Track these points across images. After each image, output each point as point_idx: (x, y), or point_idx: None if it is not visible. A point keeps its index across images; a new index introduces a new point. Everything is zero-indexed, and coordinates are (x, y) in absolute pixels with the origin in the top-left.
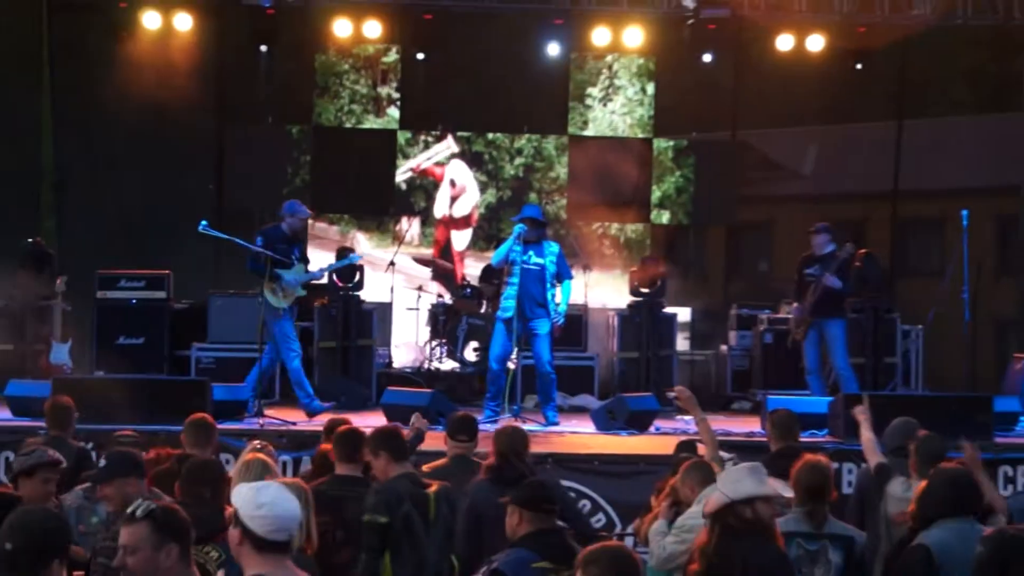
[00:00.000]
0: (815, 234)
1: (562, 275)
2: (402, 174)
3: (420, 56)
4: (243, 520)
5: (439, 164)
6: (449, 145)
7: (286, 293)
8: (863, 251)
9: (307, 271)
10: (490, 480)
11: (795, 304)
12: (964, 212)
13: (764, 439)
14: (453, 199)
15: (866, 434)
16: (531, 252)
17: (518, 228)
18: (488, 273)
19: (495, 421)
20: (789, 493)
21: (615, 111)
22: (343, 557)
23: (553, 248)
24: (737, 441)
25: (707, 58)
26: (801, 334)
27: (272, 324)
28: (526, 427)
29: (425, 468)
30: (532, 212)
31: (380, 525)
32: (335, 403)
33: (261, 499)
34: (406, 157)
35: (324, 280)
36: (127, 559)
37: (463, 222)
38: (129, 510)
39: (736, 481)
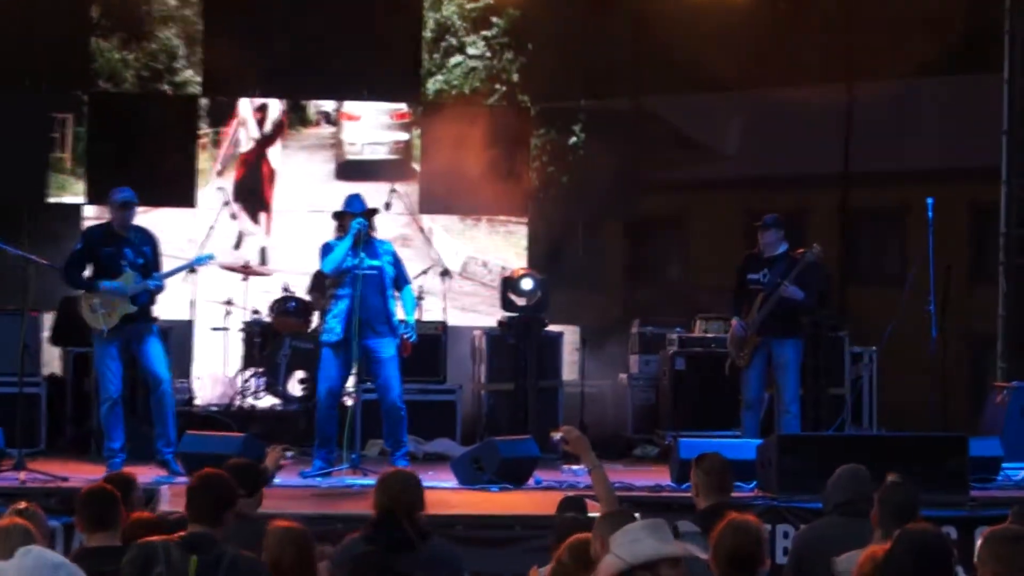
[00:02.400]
0: (764, 229)
1: (401, 280)
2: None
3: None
4: None
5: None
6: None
7: (109, 310)
8: (801, 251)
9: (143, 279)
10: (365, 542)
11: (736, 320)
12: (929, 200)
13: (675, 494)
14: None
15: (599, 477)
16: (362, 254)
17: (356, 224)
18: (319, 281)
19: (327, 474)
20: (704, 555)
21: (480, 70)
22: None
23: (388, 247)
24: (641, 496)
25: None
26: (746, 358)
27: (94, 350)
28: (363, 482)
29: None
30: (361, 203)
31: None
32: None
33: None
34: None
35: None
36: None
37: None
38: None
39: (633, 541)
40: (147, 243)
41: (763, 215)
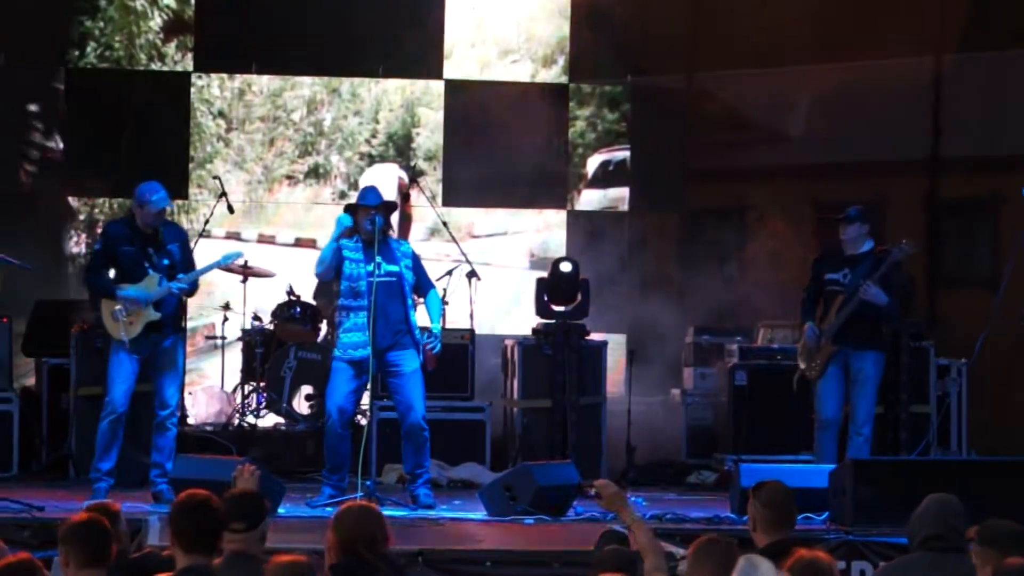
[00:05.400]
0: (846, 223)
1: (423, 286)
2: None
3: None
4: None
5: None
6: None
7: (131, 317)
8: (882, 248)
9: (168, 282)
10: None
11: (809, 325)
12: None
13: (735, 527)
14: None
15: (642, 531)
16: (378, 258)
17: (368, 224)
18: (326, 285)
19: (338, 504)
20: None
21: (513, 44)
22: None
23: (406, 248)
24: (696, 529)
25: None
26: (817, 369)
27: (110, 355)
28: (386, 511)
29: None
30: (377, 196)
31: None
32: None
33: None
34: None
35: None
36: None
37: None
38: None
39: None
40: (175, 241)
41: (836, 206)
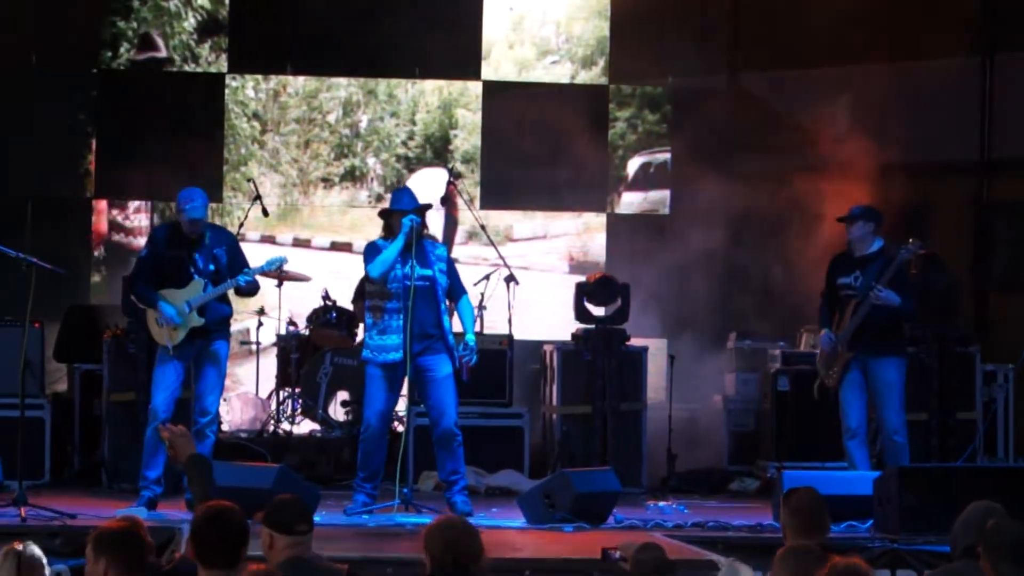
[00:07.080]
0: (850, 222)
1: (455, 290)
2: None
3: None
4: None
5: None
6: None
7: (172, 323)
8: (922, 251)
9: (214, 287)
10: None
11: (824, 332)
12: None
13: (777, 535)
14: None
15: None
16: (411, 260)
17: (408, 221)
18: (365, 289)
19: (371, 511)
20: None
21: (552, 45)
22: None
23: (441, 251)
24: (739, 537)
25: None
26: (835, 378)
27: (156, 360)
28: (417, 519)
29: None
30: (412, 200)
31: None
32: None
33: None
34: (246, 112)
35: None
36: None
37: None
38: None
39: None
40: (221, 245)
41: (871, 205)
